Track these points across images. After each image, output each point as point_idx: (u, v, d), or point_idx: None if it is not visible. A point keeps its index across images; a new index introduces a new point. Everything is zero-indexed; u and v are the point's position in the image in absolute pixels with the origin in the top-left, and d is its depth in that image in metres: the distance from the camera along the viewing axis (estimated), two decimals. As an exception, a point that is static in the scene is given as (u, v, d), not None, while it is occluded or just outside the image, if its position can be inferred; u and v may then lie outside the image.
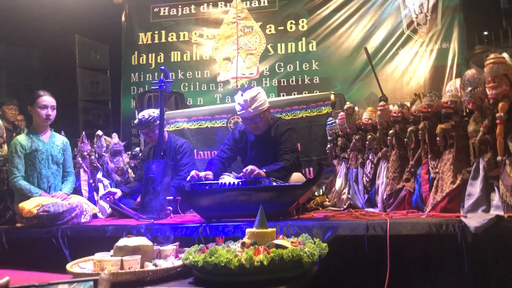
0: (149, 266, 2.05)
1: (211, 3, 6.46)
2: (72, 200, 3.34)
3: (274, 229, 2.13)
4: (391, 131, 2.95)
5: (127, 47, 6.59)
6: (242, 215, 2.71)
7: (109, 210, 3.73)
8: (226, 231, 2.51)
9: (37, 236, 2.96)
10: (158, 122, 3.62)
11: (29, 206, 3.06)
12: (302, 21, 6.17)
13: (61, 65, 6.05)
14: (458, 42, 5.60)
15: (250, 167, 2.93)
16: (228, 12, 6.37)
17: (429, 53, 5.69)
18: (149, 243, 2.19)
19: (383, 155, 3.04)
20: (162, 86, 3.44)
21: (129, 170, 4.16)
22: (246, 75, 6.14)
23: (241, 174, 2.97)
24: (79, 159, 3.99)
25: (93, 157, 3.99)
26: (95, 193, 3.92)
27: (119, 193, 3.61)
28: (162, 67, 3.53)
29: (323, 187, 3.60)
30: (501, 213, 2.22)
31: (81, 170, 3.96)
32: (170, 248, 2.27)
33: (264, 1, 6.30)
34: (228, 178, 3.24)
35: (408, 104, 3.01)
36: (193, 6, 6.52)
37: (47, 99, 3.46)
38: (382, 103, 3.07)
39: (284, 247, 1.88)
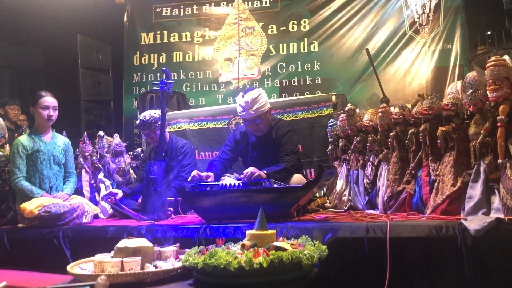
0: (149, 268, 2.05)
1: (213, 3, 6.47)
2: (73, 200, 3.35)
3: (274, 231, 2.13)
4: (392, 133, 2.95)
5: (129, 47, 6.60)
6: (242, 217, 2.71)
7: (110, 211, 3.73)
8: (227, 233, 2.51)
9: (39, 237, 2.96)
10: (159, 123, 3.63)
11: (31, 206, 3.07)
12: (304, 22, 6.17)
13: (63, 65, 6.08)
14: (461, 43, 5.59)
15: (250, 169, 2.93)
16: (230, 12, 6.37)
17: (431, 54, 5.68)
18: (150, 244, 2.19)
19: (384, 157, 3.04)
20: (164, 87, 3.44)
21: (131, 171, 4.17)
22: (248, 76, 6.14)
23: (242, 175, 2.97)
24: (81, 159, 4.00)
25: (94, 157, 4.00)
26: (96, 194, 3.93)
27: (120, 193, 3.62)
28: (164, 68, 3.54)
29: (324, 189, 3.60)
30: (502, 216, 2.22)
31: (83, 170, 3.97)
32: (170, 249, 2.27)
33: (266, 2, 6.30)
34: (229, 179, 3.24)
35: (409, 106, 3.00)
36: (195, 7, 6.52)
37: (49, 100, 3.47)
38: (383, 105, 3.07)
39: (283, 249, 1.88)
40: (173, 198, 3.30)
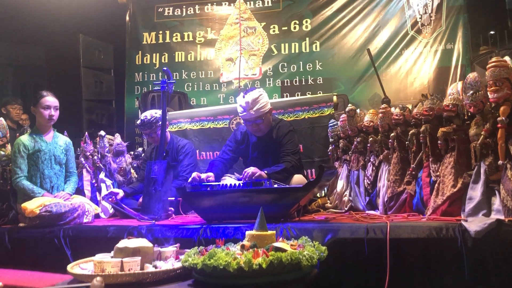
0: (149, 268, 2.06)
1: (215, 3, 6.47)
2: (74, 200, 3.35)
3: (274, 231, 2.13)
4: (392, 134, 2.94)
5: (131, 47, 6.62)
6: (243, 217, 2.71)
7: (111, 210, 3.74)
8: (227, 233, 2.51)
9: (39, 236, 2.97)
10: (160, 122, 3.63)
11: (32, 206, 3.07)
12: (306, 21, 6.17)
13: (65, 65, 6.10)
14: (463, 43, 5.59)
15: (251, 169, 2.93)
16: (231, 12, 6.37)
17: (433, 54, 5.68)
18: (149, 244, 2.19)
19: (384, 157, 3.03)
20: (165, 87, 3.44)
21: (132, 171, 4.18)
22: (249, 76, 6.14)
23: (242, 176, 2.97)
24: (82, 159, 4.01)
25: (95, 157, 4.01)
26: (97, 193, 3.93)
27: (121, 193, 3.63)
28: (165, 68, 3.54)
29: (325, 189, 3.60)
30: (502, 217, 2.21)
31: (84, 170, 3.98)
32: (170, 249, 2.27)
33: (268, 2, 6.31)
34: (229, 180, 3.24)
35: (410, 106, 3.00)
36: (197, 6, 6.53)
37: (50, 100, 3.48)
38: (383, 105, 3.06)
39: (283, 250, 1.88)
40: (173, 198, 3.31)
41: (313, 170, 3.98)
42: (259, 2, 6.33)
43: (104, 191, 3.82)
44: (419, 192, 2.75)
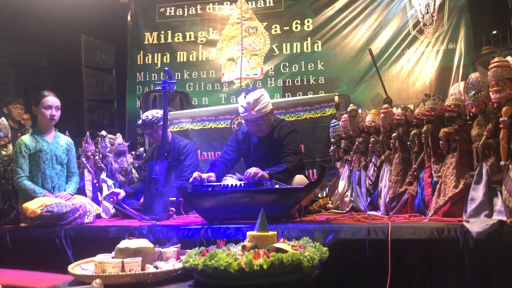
0: (150, 269, 2.06)
1: (216, 3, 6.47)
2: (75, 200, 3.35)
3: (275, 232, 2.13)
4: (394, 134, 2.94)
5: (133, 47, 6.62)
6: (244, 217, 2.71)
7: (112, 211, 3.74)
8: (228, 234, 2.51)
9: (41, 236, 2.97)
10: (161, 123, 3.63)
11: (33, 206, 3.07)
12: (308, 21, 6.17)
13: (67, 65, 6.10)
14: (465, 43, 5.57)
15: (253, 169, 2.93)
16: (233, 12, 6.37)
17: (435, 54, 5.67)
18: (150, 245, 2.20)
19: (386, 158, 3.03)
20: (166, 87, 3.44)
21: (133, 171, 4.18)
22: (250, 76, 6.14)
23: (244, 176, 2.97)
24: (83, 159, 4.01)
25: (97, 157, 4.01)
26: (99, 194, 3.93)
27: (122, 193, 3.63)
28: (166, 68, 3.54)
29: (326, 189, 3.59)
30: (504, 218, 2.21)
31: (85, 170, 3.98)
32: (171, 250, 2.27)
33: (269, 2, 6.30)
34: (231, 180, 3.24)
35: (412, 107, 2.99)
36: (199, 6, 6.53)
37: (51, 100, 3.48)
38: (385, 105, 3.06)
39: (284, 251, 1.88)
40: (175, 198, 3.31)
41: (315, 170, 3.97)
42: (260, 2, 6.33)
43: (106, 191, 3.82)
44: (420, 193, 2.74)
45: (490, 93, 2.32)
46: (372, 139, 3.14)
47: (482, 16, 5.84)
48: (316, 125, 4.07)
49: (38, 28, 6.38)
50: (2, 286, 2.35)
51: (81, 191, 3.86)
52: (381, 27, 5.89)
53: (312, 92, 5.80)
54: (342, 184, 3.40)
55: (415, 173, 2.80)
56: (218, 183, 2.95)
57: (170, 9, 6.60)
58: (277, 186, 2.76)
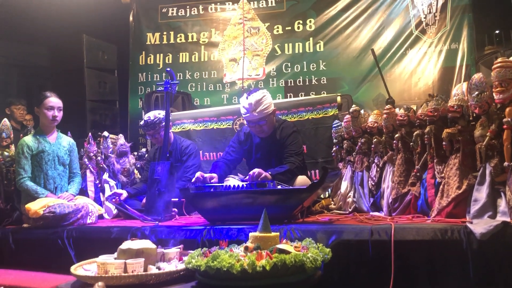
0: (153, 269, 2.06)
1: (218, 3, 6.47)
2: (78, 201, 3.36)
3: (278, 233, 2.13)
4: (397, 135, 2.93)
5: (135, 47, 6.62)
6: (246, 218, 2.70)
7: (115, 211, 3.75)
8: (230, 234, 2.50)
9: (43, 237, 2.97)
10: (163, 123, 3.63)
11: (36, 207, 3.08)
12: (310, 21, 6.16)
13: (69, 65, 6.08)
14: (467, 43, 5.56)
15: (257, 171, 2.92)
16: (235, 13, 6.37)
17: (438, 54, 5.65)
18: (153, 246, 2.19)
19: (388, 158, 3.02)
20: (168, 88, 3.44)
21: (135, 171, 4.18)
22: (252, 76, 6.13)
23: (247, 176, 2.96)
24: (86, 160, 4.02)
25: (99, 158, 4.01)
26: (101, 194, 3.94)
27: (124, 194, 3.63)
28: (168, 69, 3.54)
29: (329, 190, 3.59)
30: (508, 219, 2.19)
31: (87, 171, 3.98)
32: (173, 251, 2.27)
33: (271, 2, 6.29)
34: (233, 181, 3.23)
35: (415, 107, 2.98)
36: (201, 7, 6.53)
37: (53, 100, 3.48)
38: (388, 106, 3.05)
39: (287, 252, 1.87)
40: (177, 199, 3.30)
41: (317, 171, 3.97)
42: (262, 2, 6.32)
43: (108, 192, 3.82)
44: (423, 194, 2.73)
45: (494, 94, 2.31)
46: (375, 139, 3.13)
47: (485, 16, 5.83)
48: (318, 125, 4.06)
49: (40, 28, 6.38)
50: (4, 286, 2.35)
51: (83, 191, 3.86)
52: (383, 27, 5.88)
53: (314, 93, 5.79)
54: (344, 185, 3.40)
55: (418, 174, 2.79)
56: (220, 184, 2.94)
57: (172, 10, 6.60)
58: (279, 187, 2.76)
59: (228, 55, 6.28)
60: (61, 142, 3.58)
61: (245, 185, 2.76)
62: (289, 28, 6.20)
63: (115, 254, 2.16)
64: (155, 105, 5.26)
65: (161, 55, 6.51)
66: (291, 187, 2.89)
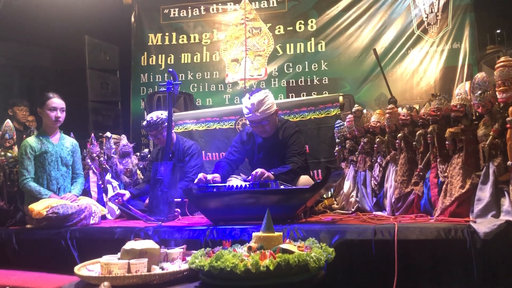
0: (156, 270, 2.06)
1: (220, 3, 6.47)
2: (81, 201, 3.36)
3: (281, 233, 2.13)
4: (399, 134, 2.93)
5: (137, 48, 6.62)
6: (249, 218, 2.71)
7: (117, 212, 3.75)
8: (233, 234, 2.50)
9: (46, 238, 2.98)
10: (166, 124, 3.63)
11: (39, 207, 3.09)
12: (311, 21, 6.15)
13: (71, 66, 6.09)
14: (469, 42, 5.54)
15: (259, 170, 2.92)
16: (236, 13, 6.37)
17: (440, 54, 5.64)
18: (156, 246, 2.20)
19: (391, 158, 3.02)
20: (170, 88, 3.44)
21: (138, 172, 4.18)
22: (254, 77, 6.13)
23: (250, 177, 2.96)
24: (88, 160, 4.02)
25: (102, 158, 4.02)
26: (104, 195, 3.94)
27: (127, 194, 3.63)
28: (170, 69, 3.54)
29: (331, 190, 3.58)
30: (511, 218, 2.19)
31: (90, 171, 3.99)
32: (177, 251, 2.28)
33: (273, 2, 6.29)
34: (235, 181, 3.23)
35: (417, 107, 2.98)
36: (202, 8, 6.52)
37: (56, 101, 3.49)
38: (390, 106, 3.05)
39: (290, 252, 1.88)
40: (180, 199, 3.31)
41: (319, 171, 3.97)
42: (264, 2, 6.32)
43: (111, 192, 3.82)
44: (426, 193, 2.73)
45: (497, 93, 2.31)
46: (378, 139, 3.13)
47: (487, 15, 5.83)
48: (320, 125, 4.06)
49: (42, 29, 6.38)
50: (8, 287, 2.36)
51: (86, 192, 3.87)
52: (385, 27, 5.87)
53: (316, 93, 5.79)
54: (347, 185, 3.40)
55: (421, 173, 2.79)
56: (223, 184, 2.94)
57: (174, 11, 6.60)
58: (282, 187, 2.76)
59: (230, 56, 6.28)
60: (64, 143, 3.58)
61: (248, 185, 2.77)
62: (291, 28, 6.20)
63: (119, 255, 2.17)
64: (157, 106, 5.26)
65: (163, 55, 6.51)
66: (294, 187, 2.89)
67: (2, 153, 3.68)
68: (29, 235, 3.10)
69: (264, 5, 6.31)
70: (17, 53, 7.18)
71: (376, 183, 3.13)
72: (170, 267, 2.10)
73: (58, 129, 3.61)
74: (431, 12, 5.72)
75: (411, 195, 2.82)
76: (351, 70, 5.92)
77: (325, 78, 5.98)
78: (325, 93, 5.64)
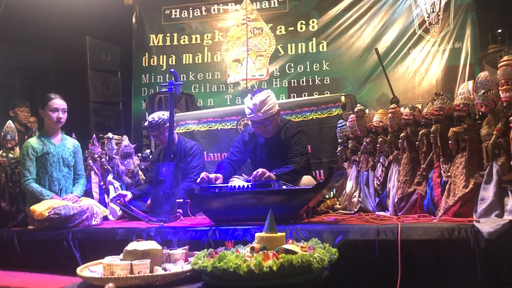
0: (159, 271, 2.06)
1: (221, 4, 6.47)
2: (83, 202, 3.36)
3: (284, 233, 2.13)
4: (402, 134, 2.92)
5: (138, 49, 6.63)
6: (252, 219, 2.70)
7: (119, 212, 3.74)
8: (236, 235, 2.50)
9: (48, 239, 2.97)
10: (168, 124, 3.63)
11: (41, 208, 3.08)
12: (313, 21, 6.15)
13: (72, 67, 6.08)
14: (471, 42, 5.54)
15: (260, 170, 2.92)
16: (238, 13, 6.36)
17: (441, 53, 5.64)
18: (159, 247, 2.19)
19: (394, 158, 3.01)
20: (172, 89, 3.44)
21: (140, 172, 4.18)
22: (256, 77, 6.13)
23: (252, 177, 2.96)
24: (90, 161, 4.02)
25: (103, 159, 4.02)
26: (105, 196, 3.93)
27: (129, 195, 3.62)
28: (172, 70, 3.54)
29: (334, 190, 3.57)
30: (515, 218, 2.18)
31: (92, 172, 3.98)
32: (179, 252, 2.27)
33: (274, 2, 6.29)
34: (237, 181, 3.23)
35: (420, 106, 2.97)
36: (203, 8, 6.52)
37: (58, 102, 3.49)
38: (393, 105, 3.04)
39: (293, 252, 1.87)
40: (182, 200, 3.30)
41: (322, 171, 3.96)
42: (265, 2, 6.32)
43: (112, 193, 3.82)
44: (429, 193, 2.72)
45: (500, 92, 2.30)
46: (380, 139, 3.12)
47: (488, 15, 5.82)
48: (322, 125, 4.05)
49: (43, 30, 6.40)
50: (10, 288, 2.36)
51: (88, 193, 3.86)
52: (386, 26, 5.87)
53: (317, 93, 5.78)
54: (350, 185, 3.39)
55: (424, 173, 2.78)
56: (225, 185, 2.94)
57: (176, 11, 6.60)
58: (284, 187, 2.75)
59: (232, 56, 6.28)
60: (66, 144, 3.58)
61: (250, 186, 2.76)
62: (292, 28, 6.20)
63: (121, 256, 2.16)
64: (159, 106, 5.26)
65: (164, 56, 6.52)
66: (296, 187, 2.88)
67: (4, 154, 3.68)
68: (31, 236, 3.09)
69: (265, 5, 6.31)
70: (18, 54, 7.19)
71: (378, 183, 3.12)
72: (173, 268, 2.09)
73: (59, 130, 3.61)
74: (433, 11, 5.72)
75: (414, 195, 2.81)
76: (353, 70, 5.92)
77: (326, 78, 5.98)
78: (327, 93, 5.63)
